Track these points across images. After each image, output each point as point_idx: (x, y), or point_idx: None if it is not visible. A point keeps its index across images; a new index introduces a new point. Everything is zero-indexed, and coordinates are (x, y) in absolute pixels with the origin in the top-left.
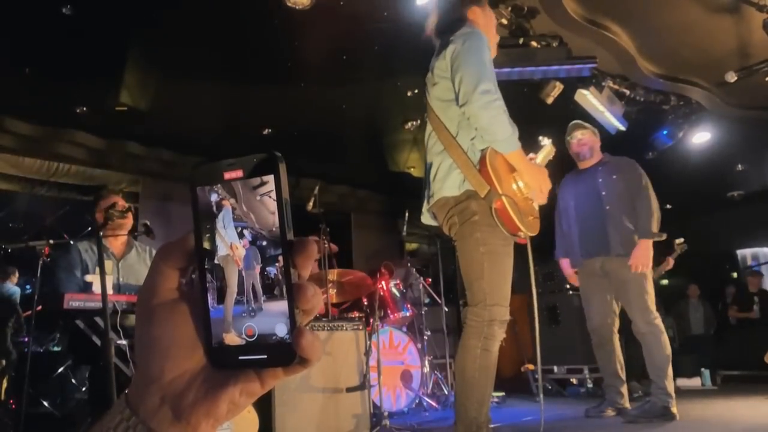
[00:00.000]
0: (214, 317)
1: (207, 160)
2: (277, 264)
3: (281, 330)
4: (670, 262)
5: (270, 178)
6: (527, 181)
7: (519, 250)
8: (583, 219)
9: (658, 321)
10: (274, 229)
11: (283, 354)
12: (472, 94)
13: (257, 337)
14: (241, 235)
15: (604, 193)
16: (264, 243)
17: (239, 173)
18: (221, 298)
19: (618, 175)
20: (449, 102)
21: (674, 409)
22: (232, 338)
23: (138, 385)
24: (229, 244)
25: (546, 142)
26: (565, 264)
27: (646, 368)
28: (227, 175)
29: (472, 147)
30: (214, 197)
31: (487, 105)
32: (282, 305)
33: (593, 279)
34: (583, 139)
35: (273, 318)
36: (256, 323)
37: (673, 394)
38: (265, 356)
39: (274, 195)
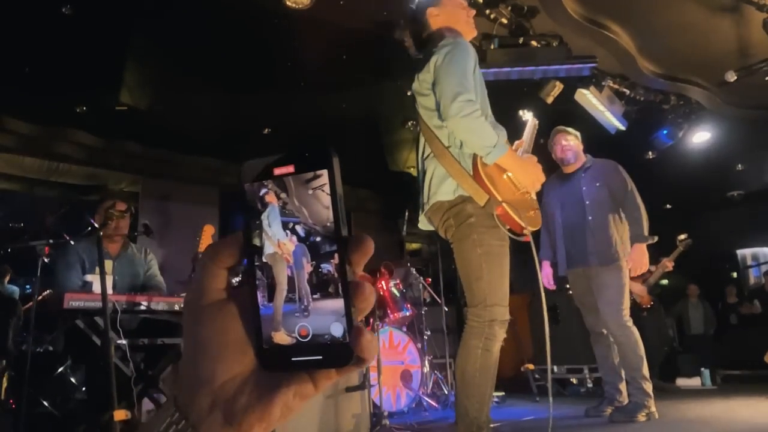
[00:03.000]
0: (264, 316)
1: (256, 156)
2: (332, 261)
3: (337, 329)
4: (668, 265)
5: (323, 172)
6: (521, 179)
7: (521, 249)
8: (568, 230)
9: (630, 323)
10: (328, 224)
11: (340, 354)
12: (449, 108)
13: (311, 337)
14: (292, 231)
15: (587, 202)
16: (318, 239)
17: (290, 168)
18: (271, 296)
19: (601, 181)
20: (437, 112)
21: (653, 408)
22: (281, 337)
23: (187, 388)
24: (276, 241)
25: (528, 116)
26: (545, 267)
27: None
28: (277, 171)
29: (462, 154)
30: (262, 193)
31: (465, 118)
32: (337, 303)
33: (580, 282)
34: (567, 145)
35: (328, 317)
36: (310, 323)
37: (651, 393)
38: (321, 357)
39: (327, 189)
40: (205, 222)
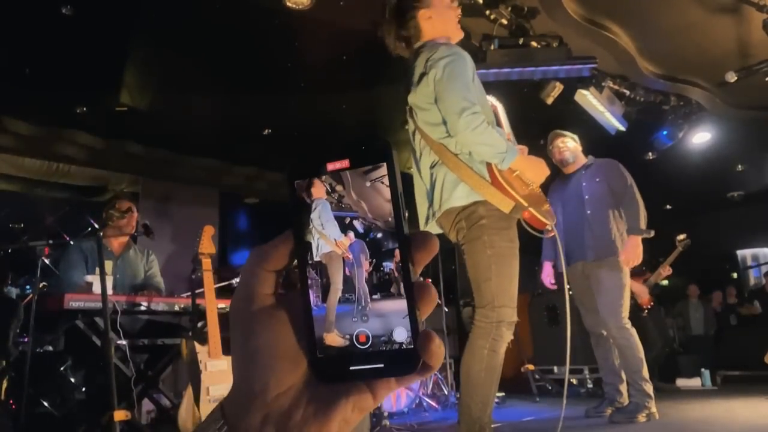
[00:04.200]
0: (316, 317)
1: (308, 150)
2: (394, 258)
3: (400, 334)
4: (666, 269)
5: (382, 165)
6: (528, 175)
7: (522, 249)
8: (568, 225)
9: (629, 325)
10: (390, 218)
11: (404, 361)
12: (457, 124)
13: (371, 343)
14: (350, 227)
15: (586, 197)
16: (378, 235)
17: (345, 163)
18: (325, 296)
19: (601, 177)
20: (442, 124)
21: (654, 409)
22: (333, 338)
23: (237, 401)
24: (334, 240)
25: (491, 99)
26: (546, 267)
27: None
28: (331, 166)
29: (472, 160)
30: (317, 189)
31: (474, 131)
32: (399, 305)
33: (580, 281)
34: (564, 147)
35: (389, 320)
36: (369, 327)
37: (652, 394)
38: (382, 365)
39: (387, 181)
40: (205, 223)
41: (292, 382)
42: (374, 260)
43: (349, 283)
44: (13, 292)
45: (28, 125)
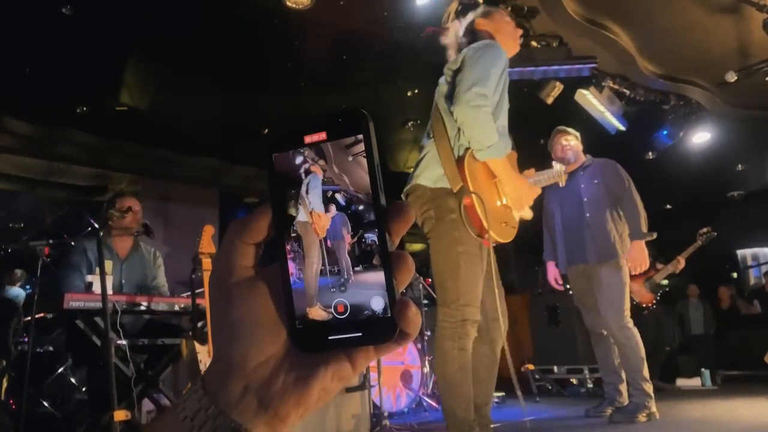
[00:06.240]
0: (297, 290)
1: (284, 121)
2: (376, 230)
3: (378, 303)
4: (681, 262)
5: (361, 137)
6: (508, 191)
7: (522, 249)
8: (567, 227)
9: (631, 325)
10: (371, 191)
11: (381, 329)
12: (463, 95)
13: (349, 312)
14: (332, 200)
15: (585, 199)
16: (360, 207)
17: (322, 135)
18: (303, 270)
19: (599, 178)
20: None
21: (654, 409)
22: (317, 312)
23: (217, 372)
24: (310, 212)
25: (558, 167)
26: (550, 267)
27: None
28: (308, 139)
29: (458, 145)
30: (298, 162)
31: (474, 108)
32: (378, 276)
33: (581, 281)
34: (567, 145)
35: (368, 290)
36: (348, 297)
37: (652, 394)
38: (360, 333)
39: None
40: (205, 222)
41: (272, 352)
42: (360, 231)
43: (331, 255)
44: (23, 295)
45: (28, 125)
